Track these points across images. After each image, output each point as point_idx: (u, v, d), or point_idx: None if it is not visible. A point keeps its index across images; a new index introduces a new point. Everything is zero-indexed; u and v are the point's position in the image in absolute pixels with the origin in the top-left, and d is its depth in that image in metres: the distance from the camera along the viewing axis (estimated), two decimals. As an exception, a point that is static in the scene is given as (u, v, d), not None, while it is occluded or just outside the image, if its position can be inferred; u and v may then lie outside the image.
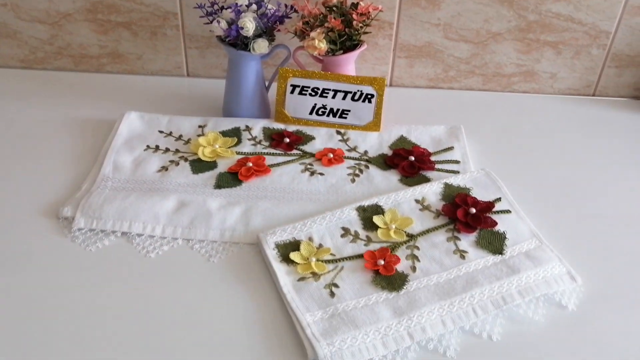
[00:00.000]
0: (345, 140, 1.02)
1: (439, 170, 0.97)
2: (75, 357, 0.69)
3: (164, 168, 0.96)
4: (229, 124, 1.05)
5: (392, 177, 0.96)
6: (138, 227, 0.85)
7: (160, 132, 1.03)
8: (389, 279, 0.77)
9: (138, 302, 0.75)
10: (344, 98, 1.03)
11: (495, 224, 0.85)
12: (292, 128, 1.04)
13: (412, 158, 0.97)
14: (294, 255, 0.80)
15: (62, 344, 0.70)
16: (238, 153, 0.99)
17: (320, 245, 0.82)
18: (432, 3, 1.11)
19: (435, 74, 1.20)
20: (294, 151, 1.00)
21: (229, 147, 1.00)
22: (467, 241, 0.83)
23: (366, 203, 0.88)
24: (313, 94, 1.03)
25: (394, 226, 0.84)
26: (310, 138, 1.03)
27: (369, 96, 1.02)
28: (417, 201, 0.89)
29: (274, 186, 0.93)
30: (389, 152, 1.00)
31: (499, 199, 0.89)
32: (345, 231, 0.84)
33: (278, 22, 1.00)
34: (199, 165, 0.96)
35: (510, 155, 1.03)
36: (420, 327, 0.71)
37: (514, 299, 0.75)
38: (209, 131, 1.02)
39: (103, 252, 0.82)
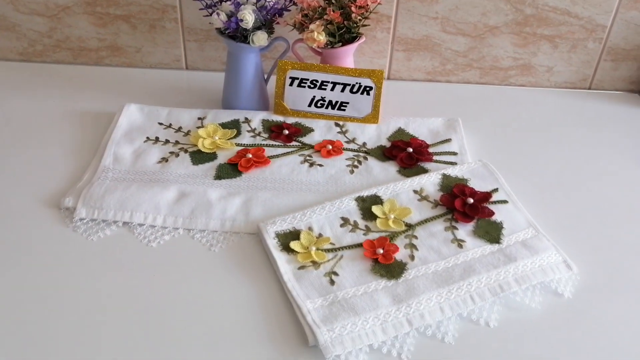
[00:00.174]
0: (343, 132, 1.03)
1: (436, 161, 0.98)
2: (77, 346, 0.69)
3: (164, 159, 0.96)
4: (228, 116, 1.05)
5: (390, 168, 0.96)
6: (139, 217, 0.85)
7: (160, 124, 1.04)
8: (387, 267, 0.78)
9: (140, 291, 0.76)
10: (342, 90, 1.04)
11: (493, 213, 0.86)
12: (291, 120, 1.05)
13: (410, 150, 0.98)
14: (294, 245, 0.81)
15: (64, 333, 0.70)
16: (237, 145, 1.00)
17: (320, 235, 0.83)
18: (429, -4, 1.12)
19: (432, 67, 1.21)
20: (293, 143, 1.01)
21: (229, 139, 1.01)
22: (464, 230, 0.84)
23: (365, 193, 0.89)
24: (312, 86, 1.04)
25: (392, 216, 0.85)
26: (309, 130, 1.03)
27: (368, 88, 1.03)
28: (415, 192, 0.90)
29: (273, 177, 0.94)
30: (388, 144, 1.01)
31: (496, 190, 0.90)
32: (345, 221, 0.85)
33: (277, 15, 1.01)
34: (199, 157, 0.97)
35: (507, 147, 1.04)
36: (418, 313, 0.72)
37: (510, 287, 0.76)
38: (209, 123, 1.03)
39: (104, 242, 0.83)
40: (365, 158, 0.98)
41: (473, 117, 1.10)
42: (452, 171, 0.94)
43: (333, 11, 0.99)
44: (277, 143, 1.01)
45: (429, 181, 0.92)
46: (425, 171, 0.95)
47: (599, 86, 1.22)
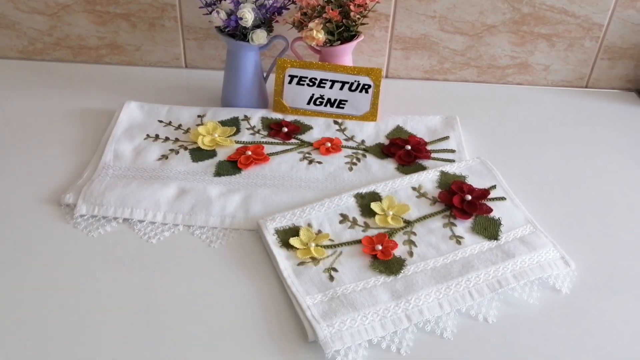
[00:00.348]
0: (342, 130, 1.04)
1: (434, 159, 0.98)
2: (77, 342, 0.69)
3: (164, 156, 0.97)
4: (227, 113, 1.06)
5: (389, 165, 0.97)
6: (139, 213, 0.86)
7: (160, 121, 1.04)
8: (386, 263, 0.79)
9: (140, 287, 0.76)
10: (341, 88, 1.04)
11: (491, 210, 0.87)
12: (290, 118, 1.06)
13: (409, 147, 0.99)
14: (293, 241, 0.81)
15: (64, 329, 0.71)
16: (237, 142, 1.00)
17: (319, 231, 0.83)
18: (428, -5, 1.13)
19: (430, 66, 1.21)
20: (292, 140, 1.01)
21: (228, 137, 1.01)
22: (463, 227, 0.85)
23: (364, 190, 0.90)
24: (311, 84, 1.05)
25: (391, 212, 0.86)
26: (308, 128, 1.04)
27: (366, 86, 1.04)
28: (413, 188, 0.91)
29: (272, 174, 0.94)
30: (386, 142, 1.02)
31: (494, 187, 0.91)
32: (344, 217, 0.86)
33: (276, 13, 1.01)
34: (199, 154, 0.97)
35: (505, 145, 1.04)
36: (417, 309, 0.73)
37: (509, 283, 0.76)
38: (208, 121, 1.04)
39: (105, 238, 0.83)
40: (364, 155, 0.99)
41: (470, 115, 1.10)
42: (450, 168, 0.94)
43: (332, 9, 1.00)
44: (276, 140, 1.01)
45: (427, 178, 0.93)
46: (423, 168, 0.96)
47: (595, 85, 1.23)
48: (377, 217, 0.86)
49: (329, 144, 1.00)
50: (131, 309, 0.73)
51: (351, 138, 1.03)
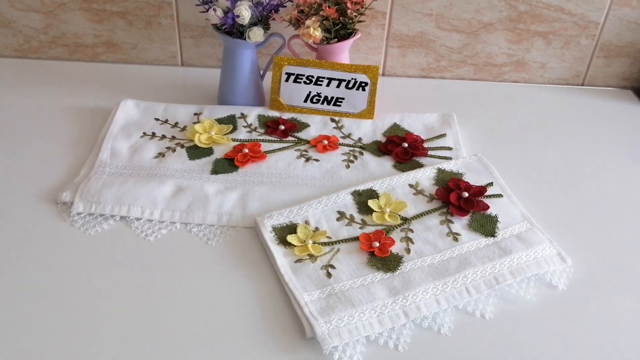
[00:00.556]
0: (339, 128, 1.04)
1: (431, 156, 0.99)
2: (75, 340, 0.69)
3: (161, 154, 0.97)
4: (224, 111, 1.06)
5: (386, 163, 0.97)
6: (136, 211, 0.86)
7: (156, 119, 1.04)
8: (384, 260, 0.79)
9: (137, 284, 0.76)
10: (338, 86, 1.05)
11: (488, 207, 0.87)
12: (287, 115, 1.06)
13: (406, 145, 0.99)
14: (291, 238, 0.81)
15: (62, 326, 0.71)
16: (234, 140, 1.00)
17: (317, 229, 0.84)
18: (424, -7, 1.13)
19: (427, 64, 1.22)
20: (289, 138, 1.01)
21: (225, 134, 1.01)
22: (460, 224, 0.85)
23: (361, 188, 0.90)
24: (308, 82, 1.05)
25: (388, 210, 0.86)
26: (305, 125, 1.04)
27: (363, 84, 1.04)
28: (410, 186, 0.91)
29: (270, 172, 0.94)
30: (383, 139, 1.02)
31: (490, 184, 0.91)
32: (341, 215, 0.86)
33: (273, 11, 1.01)
34: (195, 152, 0.97)
35: (502, 142, 1.05)
36: (415, 305, 0.73)
37: (505, 279, 0.77)
38: (205, 118, 1.03)
39: (102, 236, 0.83)
40: (361, 153, 0.99)
41: (467, 113, 1.11)
42: (447, 165, 0.95)
43: (329, 7, 1.00)
44: (273, 138, 1.01)
45: (424, 175, 0.93)
46: (420, 166, 0.96)
47: (591, 82, 1.23)
48: (374, 214, 0.86)
49: (326, 142, 1.00)
50: (128, 306, 0.73)
51: (348, 136, 1.03)
